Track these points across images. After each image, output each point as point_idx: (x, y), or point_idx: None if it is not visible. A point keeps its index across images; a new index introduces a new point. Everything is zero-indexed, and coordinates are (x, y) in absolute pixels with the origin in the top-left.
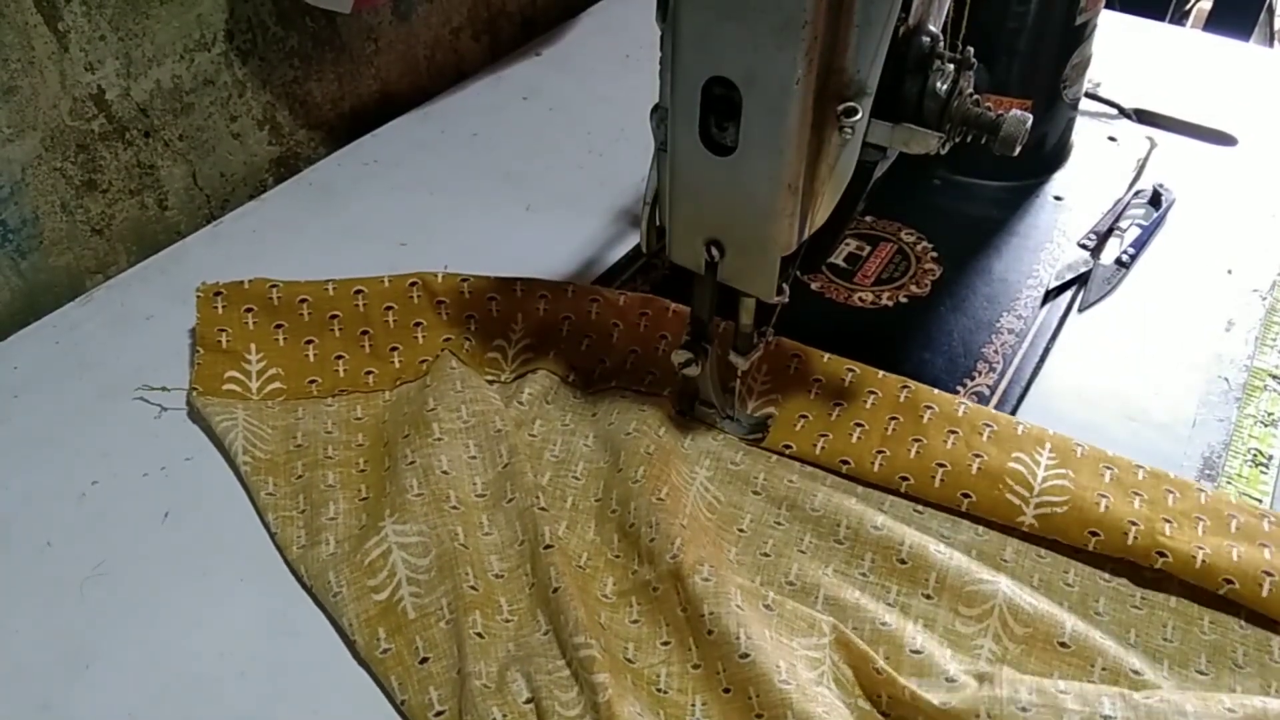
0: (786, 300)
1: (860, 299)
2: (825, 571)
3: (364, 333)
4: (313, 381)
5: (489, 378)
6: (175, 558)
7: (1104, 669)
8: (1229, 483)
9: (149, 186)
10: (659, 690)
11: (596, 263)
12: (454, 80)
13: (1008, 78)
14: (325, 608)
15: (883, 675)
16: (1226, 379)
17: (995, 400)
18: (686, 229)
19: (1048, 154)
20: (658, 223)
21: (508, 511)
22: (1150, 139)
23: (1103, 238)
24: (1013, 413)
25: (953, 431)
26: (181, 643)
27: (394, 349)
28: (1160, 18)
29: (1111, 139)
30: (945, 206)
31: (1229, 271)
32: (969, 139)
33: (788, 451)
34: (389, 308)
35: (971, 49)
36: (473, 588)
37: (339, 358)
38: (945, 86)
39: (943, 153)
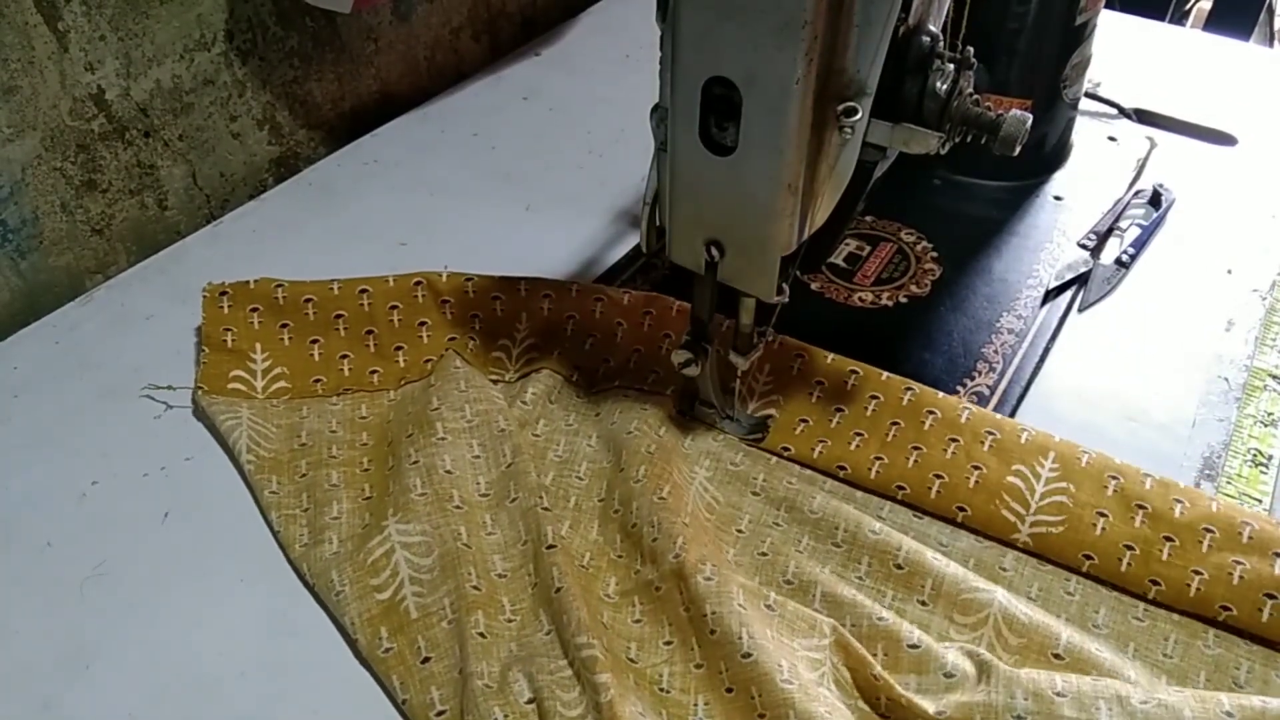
0: (786, 300)
1: (860, 299)
2: (822, 571)
3: (369, 332)
4: (317, 381)
5: (493, 377)
6: (175, 558)
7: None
8: (1229, 483)
9: (149, 186)
10: (661, 690)
11: (596, 263)
12: (454, 80)
13: (1008, 78)
14: (327, 607)
15: (880, 681)
16: (1226, 379)
17: (995, 400)
18: (686, 229)
19: (1048, 154)
20: (658, 223)
21: (511, 511)
22: (1150, 139)
23: (1103, 238)
24: (1012, 413)
25: (953, 440)
26: (181, 643)
27: (399, 348)
28: (1160, 18)
29: (1111, 139)
30: (945, 206)
31: (1229, 271)
32: (969, 139)
33: (786, 454)
34: (394, 307)
35: (971, 49)
36: (475, 587)
37: (344, 357)
38: (945, 86)
39: (943, 153)
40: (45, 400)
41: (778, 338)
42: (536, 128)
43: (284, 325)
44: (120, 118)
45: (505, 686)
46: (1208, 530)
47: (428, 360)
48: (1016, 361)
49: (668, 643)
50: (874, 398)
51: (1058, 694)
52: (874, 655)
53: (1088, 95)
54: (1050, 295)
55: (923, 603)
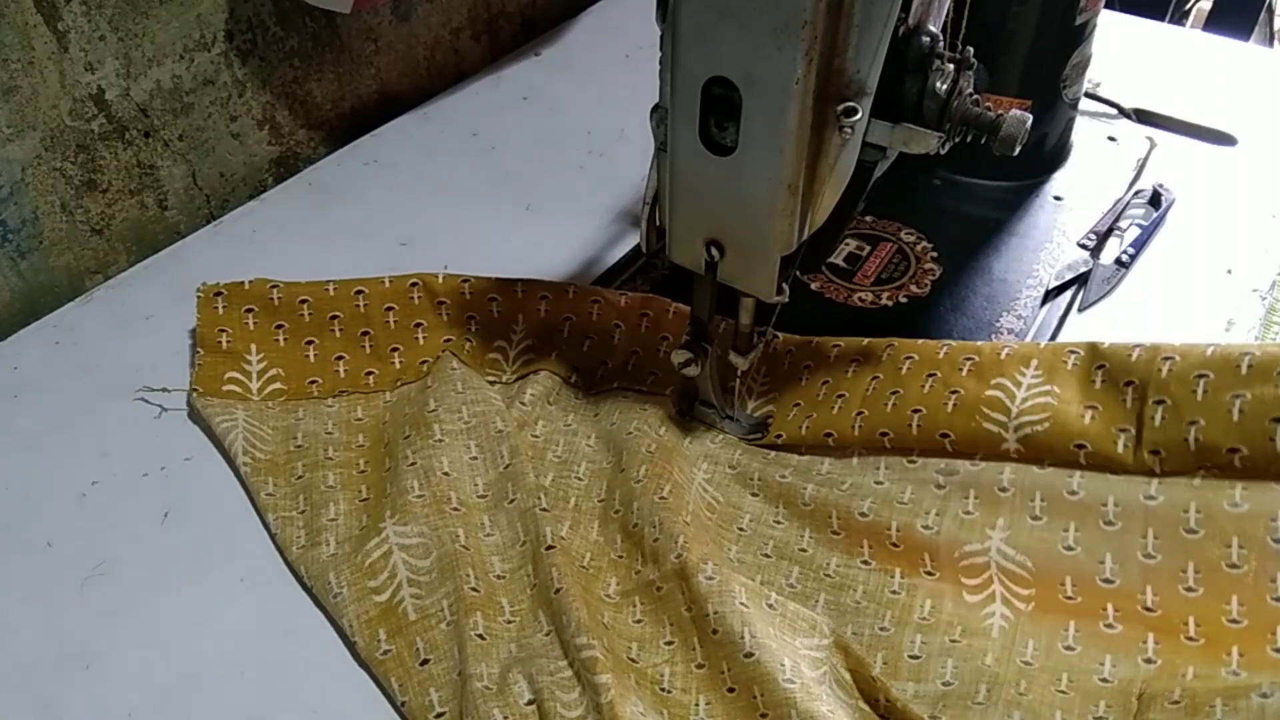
0: (786, 300)
1: (860, 299)
2: (827, 570)
3: (365, 333)
4: (313, 382)
5: (490, 378)
6: (175, 558)
7: (1116, 610)
8: None
9: (149, 186)
10: (662, 690)
11: (596, 263)
12: (454, 80)
13: (1008, 78)
14: (325, 608)
15: (879, 682)
16: None
17: None
18: (686, 229)
19: (1048, 154)
20: (658, 223)
21: (509, 512)
22: (1150, 139)
23: (1103, 238)
24: None
25: (931, 375)
26: (181, 643)
27: (395, 350)
28: (1160, 18)
29: (1111, 139)
30: (945, 206)
31: (1229, 271)
32: (969, 139)
33: (779, 441)
34: (389, 308)
35: (971, 49)
36: (474, 589)
37: (339, 358)
38: (945, 86)
39: (943, 153)
40: (45, 400)
41: (775, 337)
42: (536, 128)
43: (279, 326)
44: (120, 118)
45: (505, 688)
46: (1201, 376)
47: (424, 362)
48: None
49: (669, 643)
50: (855, 361)
51: None
52: (874, 664)
53: (1088, 95)
54: (1050, 295)
55: (929, 573)
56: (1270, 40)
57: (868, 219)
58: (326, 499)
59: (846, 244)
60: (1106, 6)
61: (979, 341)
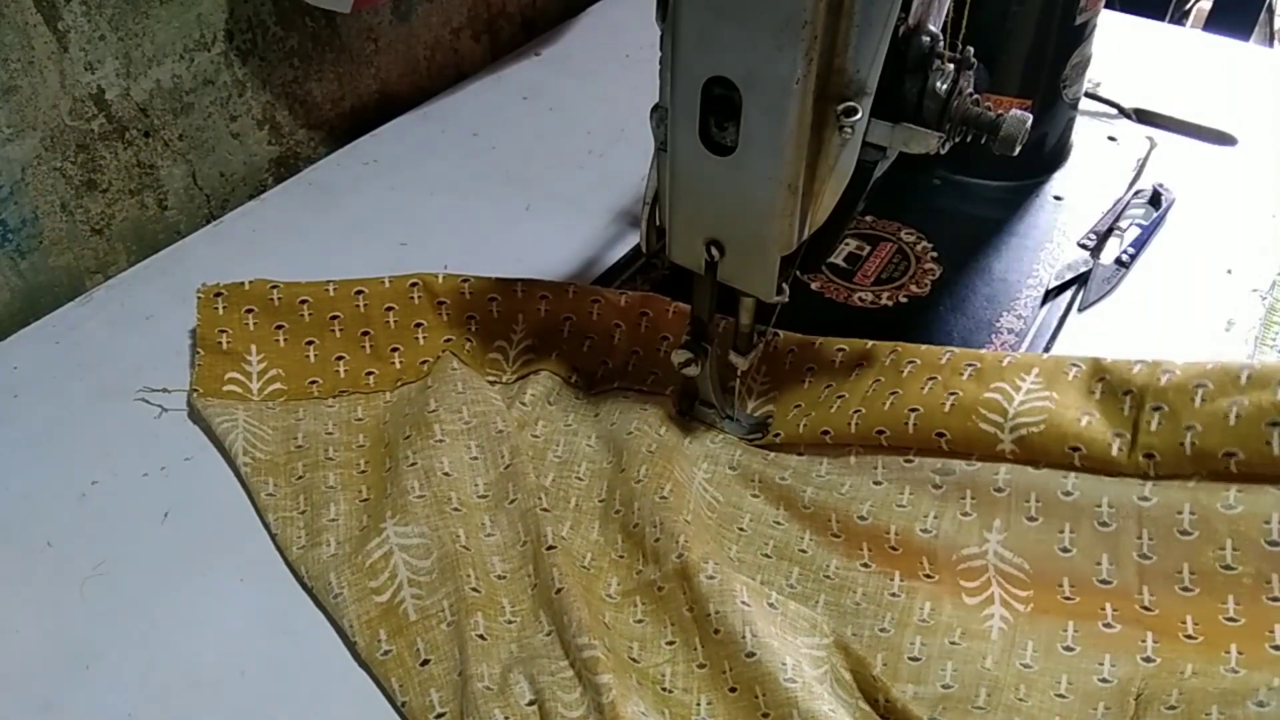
0: (786, 300)
1: (860, 299)
2: (827, 572)
3: (365, 333)
4: (313, 382)
5: (490, 379)
6: (175, 558)
7: (1114, 610)
8: None
9: (149, 186)
10: (664, 690)
11: (596, 263)
12: (454, 80)
13: (1008, 78)
14: (326, 608)
15: (879, 681)
16: None
17: None
18: (686, 229)
19: (1048, 154)
20: (658, 223)
21: (510, 512)
22: (1150, 139)
23: (1103, 237)
24: None
25: (932, 378)
26: (181, 643)
27: (395, 350)
28: (1160, 18)
29: (1111, 139)
30: (945, 206)
31: (1229, 271)
32: (969, 139)
33: (778, 441)
34: (390, 308)
35: (971, 49)
36: (475, 589)
37: (340, 358)
38: (945, 86)
39: (943, 153)
40: (45, 400)
41: (775, 336)
42: (536, 128)
43: (279, 327)
44: (120, 118)
45: (506, 688)
46: (1200, 385)
47: (424, 362)
48: None
49: (670, 642)
50: (859, 365)
51: None
52: (874, 665)
53: (1088, 95)
54: (1050, 295)
55: (928, 576)
56: (1270, 40)
57: (868, 219)
58: (327, 499)
59: (846, 244)
60: (1106, 6)
61: (981, 350)
